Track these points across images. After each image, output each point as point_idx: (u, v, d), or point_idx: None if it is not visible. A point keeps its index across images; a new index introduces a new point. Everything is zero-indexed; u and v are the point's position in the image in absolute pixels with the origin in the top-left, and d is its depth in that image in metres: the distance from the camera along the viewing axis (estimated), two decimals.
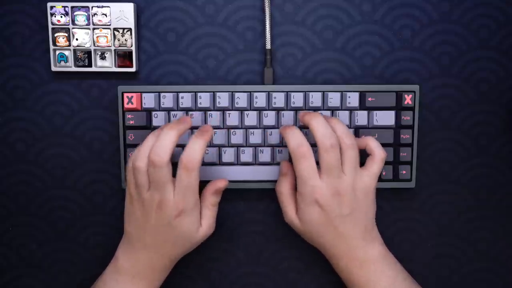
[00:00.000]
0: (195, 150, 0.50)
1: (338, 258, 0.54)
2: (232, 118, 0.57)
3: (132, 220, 0.53)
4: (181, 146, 0.58)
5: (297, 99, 0.57)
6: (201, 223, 0.54)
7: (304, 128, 0.57)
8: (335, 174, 0.51)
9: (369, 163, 0.54)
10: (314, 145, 0.57)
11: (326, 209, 0.52)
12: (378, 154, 0.53)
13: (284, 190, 0.55)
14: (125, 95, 0.57)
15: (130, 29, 0.58)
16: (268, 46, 0.58)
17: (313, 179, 0.52)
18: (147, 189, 0.52)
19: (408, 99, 0.57)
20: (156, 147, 0.50)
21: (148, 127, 0.58)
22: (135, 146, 0.58)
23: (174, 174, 0.57)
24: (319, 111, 0.57)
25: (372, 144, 0.54)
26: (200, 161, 0.50)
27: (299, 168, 0.52)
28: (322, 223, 0.53)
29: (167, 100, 0.57)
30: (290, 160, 0.58)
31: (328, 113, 0.57)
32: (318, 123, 0.52)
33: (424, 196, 0.61)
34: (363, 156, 0.57)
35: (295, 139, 0.52)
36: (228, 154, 0.57)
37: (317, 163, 0.57)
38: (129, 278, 0.54)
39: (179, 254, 0.54)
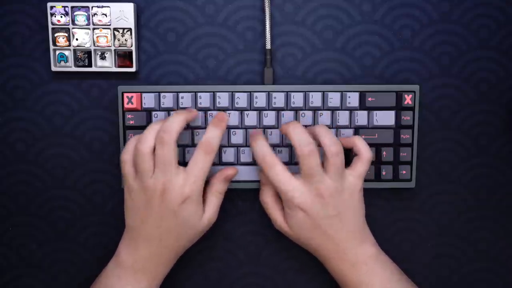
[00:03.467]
0: (214, 136, 0.52)
1: (329, 260, 0.54)
2: (232, 118, 0.57)
3: (134, 213, 0.53)
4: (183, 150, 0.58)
5: (297, 99, 0.57)
6: (205, 210, 0.54)
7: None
8: (317, 179, 0.52)
9: (355, 163, 0.54)
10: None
11: (309, 212, 0.52)
12: (365, 154, 0.54)
13: (267, 198, 0.55)
14: (125, 95, 0.57)
15: (130, 29, 0.58)
16: (268, 46, 0.58)
17: (287, 183, 0.52)
18: (150, 176, 0.52)
19: (408, 99, 0.57)
20: (165, 126, 0.51)
21: None
22: None
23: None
24: (319, 111, 0.57)
25: (359, 144, 0.54)
26: (217, 147, 0.52)
27: (271, 177, 0.52)
28: (309, 227, 0.53)
29: (167, 100, 0.57)
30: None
31: (328, 113, 0.57)
32: (294, 131, 0.52)
33: (424, 196, 0.61)
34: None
35: (260, 151, 0.53)
36: (228, 154, 0.57)
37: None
38: (132, 273, 0.54)
39: (183, 246, 0.54)
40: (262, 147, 0.53)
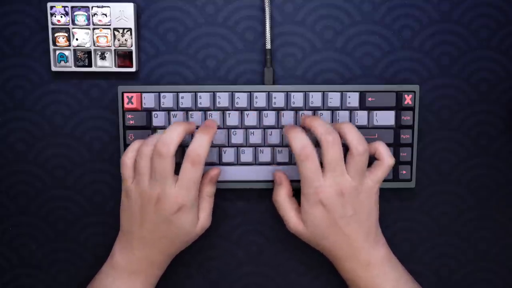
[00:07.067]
0: (201, 145, 0.51)
1: (343, 260, 0.54)
2: (232, 118, 0.57)
3: (130, 216, 0.53)
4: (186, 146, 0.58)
5: (297, 99, 0.57)
6: (198, 216, 0.54)
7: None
8: (339, 172, 0.52)
9: (375, 168, 0.54)
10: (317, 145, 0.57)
11: (330, 209, 0.52)
12: (387, 161, 0.53)
13: (281, 198, 0.55)
14: (125, 95, 0.57)
15: (130, 29, 0.57)
16: (268, 46, 0.58)
17: (317, 180, 0.52)
18: (148, 178, 0.52)
19: (408, 99, 0.57)
20: (163, 138, 0.51)
21: (148, 127, 0.58)
22: None
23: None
24: (319, 111, 0.57)
25: (382, 150, 0.54)
26: (205, 156, 0.51)
27: (304, 169, 0.52)
28: (327, 224, 0.53)
29: (167, 100, 0.57)
30: (286, 162, 0.58)
31: (328, 113, 0.57)
32: (318, 122, 0.53)
33: (424, 196, 0.61)
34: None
35: (299, 141, 0.52)
36: (228, 154, 0.57)
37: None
38: (126, 274, 0.54)
39: (177, 249, 0.55)
40: (302, 137, 0.52)
